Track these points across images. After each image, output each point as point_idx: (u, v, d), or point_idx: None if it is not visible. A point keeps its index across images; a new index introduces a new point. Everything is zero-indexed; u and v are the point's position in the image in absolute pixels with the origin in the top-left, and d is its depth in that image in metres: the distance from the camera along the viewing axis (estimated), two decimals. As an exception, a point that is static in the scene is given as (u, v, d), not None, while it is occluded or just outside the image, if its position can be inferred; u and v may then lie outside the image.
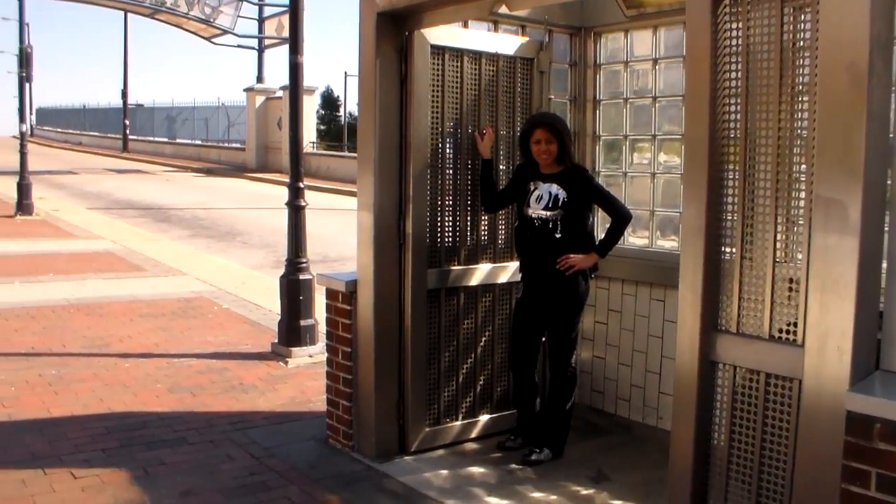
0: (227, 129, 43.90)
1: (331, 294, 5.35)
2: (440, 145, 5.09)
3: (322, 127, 40.54)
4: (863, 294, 2.95)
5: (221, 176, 32.66)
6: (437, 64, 5.02)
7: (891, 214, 3.07)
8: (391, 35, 4.91)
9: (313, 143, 32.35)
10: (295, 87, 7.47)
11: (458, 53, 5.10)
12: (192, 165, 37.10)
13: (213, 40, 32.22)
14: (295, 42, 7.48)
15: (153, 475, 4.82)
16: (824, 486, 3.02)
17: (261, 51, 34.02)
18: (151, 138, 49.25)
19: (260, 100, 33.89)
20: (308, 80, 31.53)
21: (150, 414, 5.84)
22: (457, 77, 5.12)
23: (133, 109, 51.81)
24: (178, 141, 46.67)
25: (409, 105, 4.93)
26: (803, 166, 3.16)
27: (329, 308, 5.38)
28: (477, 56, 5.18)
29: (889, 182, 3.07)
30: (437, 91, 5.03)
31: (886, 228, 3.08)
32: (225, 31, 31.32)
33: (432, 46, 4.97)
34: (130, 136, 47.48)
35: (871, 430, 2.85)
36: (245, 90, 35.03)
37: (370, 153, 4.94)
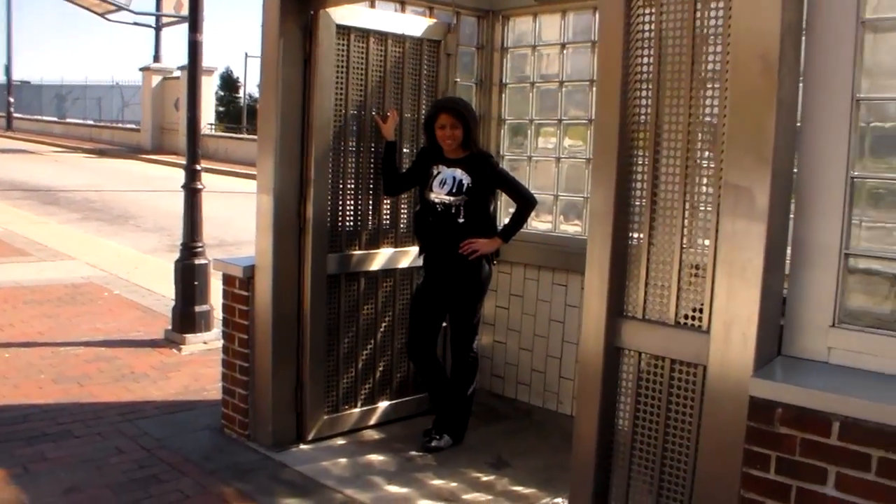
0: (122, 110, 42.70)
1: (228, 280, 5.18)
2: (343, 128, 4.96)
3: (221, 109, 39.75)
4: (768, 280, 2.97)
5: (115, 157, 31.69)
6: (343, 44, 4.88)
7: (796, 200, 3.09)
8: (296, 13, 4.76)
9: (212, 124, 31.69)
10: (194, 66, 7.23)
11: (364, 34, 4.98)
12: (83, 146, 35.92)
13: (108, 16, 31.16)
14: (195, 20, 7.23)
15: (34, 472, 4.56)
16: (726, 470, 3.03)
17: (158, 29, 33.07)
18: (39, 117, 47.48)
19: (156, 80, 32.98)
20: (207, 60, 30.84)
21: (32, 406, 5.55)
22: (362, 58, 4.99)
23: (18, 86, 49.84)
24: (69, 121, 45.10)
25: (312, 86, 4.78)
26: (712, 153, 3.15)
27: (226, 294, 5.21)
28: (383, 37, 5.07)
29: (795, 170, 3.08)
30: (342, 72, 4.90)
31: (791, 215, 3.10)
32: (120, 8, 30.30)
33: (338, 26, 4.83)
34: (15, 115, 45.62)
35: (773, 415, 2.87)
36: (141, 69, 34.02)
37: (271, 134, 4.78)
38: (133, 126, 37.24)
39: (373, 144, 5.11)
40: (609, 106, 3.35)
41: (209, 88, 30.62)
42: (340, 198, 5.02)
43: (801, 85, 3.06)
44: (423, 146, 5.13)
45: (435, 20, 5.37)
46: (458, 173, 4.82)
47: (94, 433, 5.16)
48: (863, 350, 2.95)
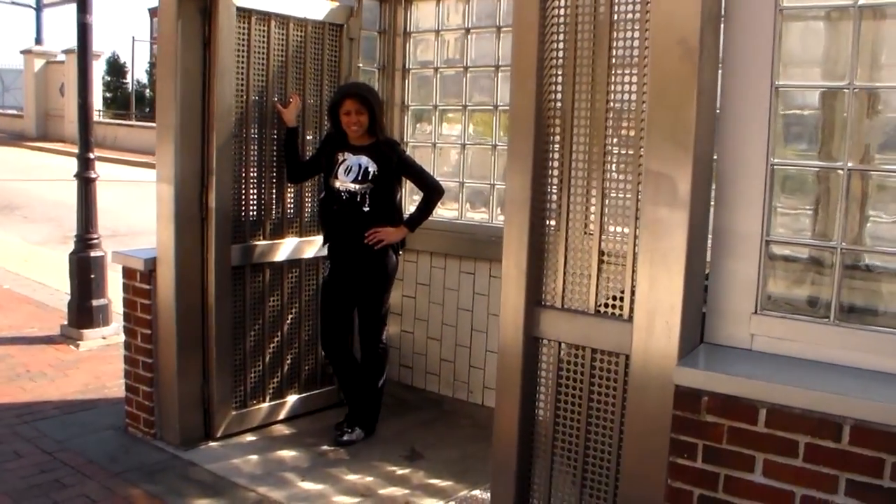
0: (2, 95, 40.99)
1: (128, 273, 4.99)
2: (245, 114, 4.82)
3: (108, 94, 38.58)
4: (691, 268, 2.97)
5: (-3, 145, 30.47)
6: (243, 27, 4.74)
7: (716, 188, 3.10)
8: (194, -5, 4.59)
9: (99, 111, 30.68)
10: (83, 49, 6.93)
11: (266, 17, 4.85)
12: (-39, 133, 34.42)
13: (-16, -3, 29.91)
14: (84, 0, 6.93)
15: (-77, 481, 4.34)
16: (652, 460, 3.03)
17: (39, 9, 31.77)
18: None
19: (39, 63, 31.68)
20: (94, 45, 29.92)
21: (-78, 408, 5.29)
22: (263, 42, 4.86)
23: None
24: (-55, 106, 43.12)
25: (212, 71, 4.63)
26: (631, 140, 3.14)
27: (126, 288, 5.02)
28: (285, 20, 4.94)
29: (715, 156, 3.10)
30: (243, 56, 4.76)
31: (711, 203, 3.12)
32: (-3, -12, 29.13)
33: (238, 8, 4.69)
34: None
35: (699, 404, 2.88)
36: (22, 52, 32.65)
37: (170, 121, 4.61)
38: (15, 112, 35.77)
39: (275, 131, 4.99)
40: (524, 92, 3.31)
41: (97, 74, 29.64)
42: (243, 187, 4.89)
43: (720, 72, 3.07)
44: (327, 132, 5.03)
45: (337, 3, 5.25)
46: (364, 160, 4.74)
47: (-15, 437, 4.93)
48: (785, 336, 2.99)
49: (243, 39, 4.74)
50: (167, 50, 4.60)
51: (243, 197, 4.89)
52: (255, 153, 4.93)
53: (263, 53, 4.86)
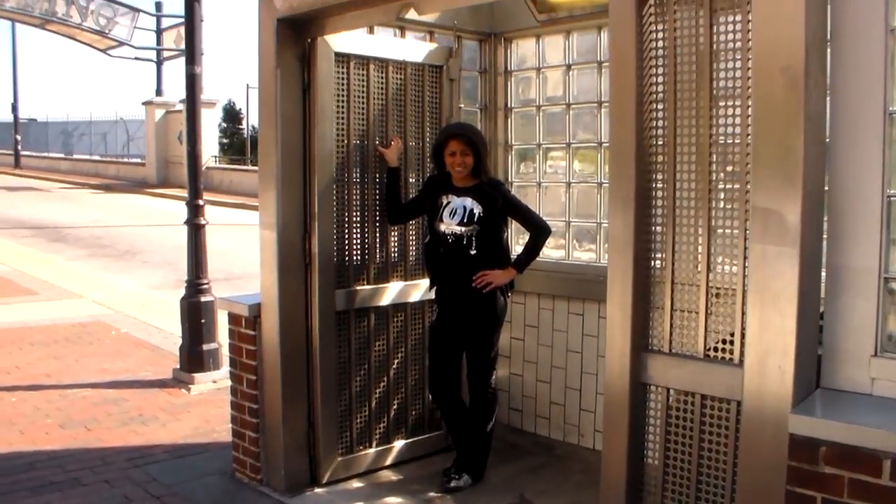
0: (127, 144, 42.71)
1: (233, 319, 5.02)
2: (346, 158, 4.81)
3: (225, 140, 39.74)
4: (804, 308, 2.79)
5: (121, 192, 31.63)
6: (342, 72, 4.74)
7: (828, 222, 2.91)
8: (292, 42, 4.62)
9: (216, 157, 31.62)
10: (192, 98, 7.11)
11: (364, 61, 4.84)
12: (89, 182, 35.89)
13: (109, 52, 31.17)
14: (192, 52, 7.13)
15: (39, 524, 4.42)
16: (767, 513, 2.84)
17: (159, 63, 33.05)
18: (46, 154, 47.50)
19: (159, 113, 32.95)
20: (209, 92, 30.95)
21: (38, 453, 5.39)
22: (363, 86, 4.85)
23: (26, 124, 49.92)
24: (75, 157, 45.07)
25: (312, 116, 4.64)
26: (737, 174, 2.98)
27: (232, 333, 5.05)
28: (384, 63, 4.93)
29: (826, 188, 2.91)
30: (343, 101, 4.76)
31: (825, 237, 2.93)
32: (121, 43, 30.31)
33: (336, 54, 4.69)
34: (23, 152, 45.61)
35: (816, 454, 2.69)
36: (144, 104, 34.03)
37: (272, 167, 4.63)
38: (138, 160, 37.21)
39: (377, 175, 4.96)
40: (624, 127, 3.19)
41: (212, 120, 30.58)
42: (346, 231, 4.87)
43: (828, 99, 2.90)
44: (430, 175, 4.98)
45: (436, 45, 5.23)
46: (469, 202, 4.66)
47: (102, 480, 5.00)
48: (909, 380, 2.77)
49: (342, 84, 4.74)
50: (267, 97, 4.63)
51: (346, 241, 4.87)
52: (358, 197, 4.91)
53: (363, 97, 4.85)
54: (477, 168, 4.67)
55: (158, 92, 33.35)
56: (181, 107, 30.27)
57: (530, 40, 5.57)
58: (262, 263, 4.77)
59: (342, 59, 4.73)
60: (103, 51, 31.10)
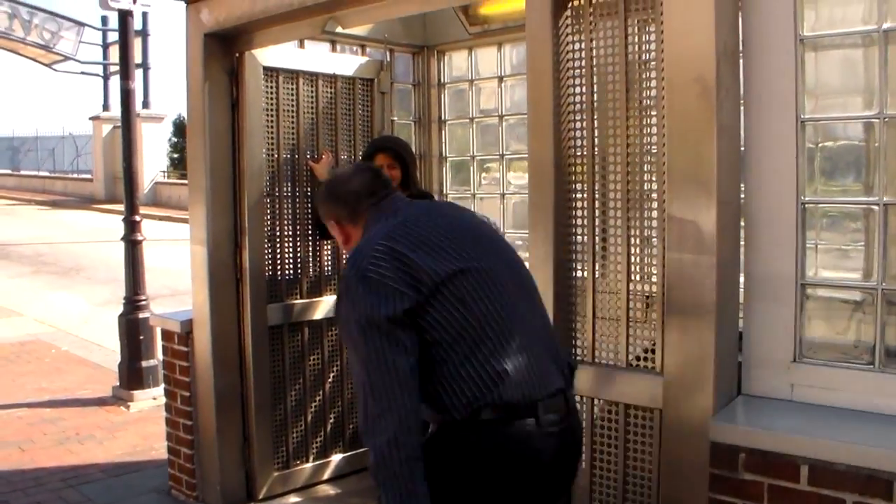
0: (76, 160, 42.14)
1: (166, 335, 4.98)
2: (277, 172, 4.80)
3: (175, 155, 39.29)
4: (722, 316, 2.82)
5: (68, 208, 31.23)
6: (271, 86, 4.74)
7: (745, 229, 2.96)
8: (220, 56, 4.61)
9: (164, 171, 31.34)
10: (127, 114, 7.06)
11: (293, 75, 4.84)
12: (36, 198, 35.40)
13: (55, 67, 30.72)
14: (126, 68, 7.08)
15: (-35, 550, 4.35)
16: (690, 520, 2.87)
17: (106, 78, 32.54)
18: (-8, 171, 46.79)
19: (107, 128, 32.53)
20: (158, 107, 30.64)
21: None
22: (292, 99, 4.85)
23: (-31, 141, 49.19)
24: (22, 173, 44.48)
25: (241, 130, 4.63)
26: (654, 184, 3.02)
27: (165, 350, 5.01)
28: (313, 77, 4.93)
29: (742, 196, 2.96)
30: (272, 115, 4.75)
31: (742, 244, 2.97)
32: (66, 58, 29.86)
33: (265, 68, 4.69)
34: (-32, 170, 44.99)
35: (737, 461, 2.71)
36: (91, 119, 33.67)
37: (201, 182, 4.61)
38: (86, 176, 36.75)
39: (309, 188, 4.95)
40: (542, 139, 3.21)
41: (161, 135, 30.38)
42: (278, 245, 4.86)
43: (742, 109, 2.95)
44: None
45: (367, 58, 5.24)
46: (398, 215, 4.66)
47: (34, 502, 4.93)
48: (827, 385, 2.80)
49: (271, 98, 4.74)
50: (195, 111, 4.61)
51: (278, 255, 4.86)
52: (290, 211, 4.90)
53: (293, 111, 4.85)
54: (405, 181, 4.67)
55: (105, 107, 32.94)
56: (128, 121, 30.08)
57: (463, 52, 5.59)
58: (193, 279, 4.75)
59: (271, 73, 4.72)
60: (48, 65, 30.67)
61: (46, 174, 42.16)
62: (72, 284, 14.00)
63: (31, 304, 11.83)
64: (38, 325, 10.29)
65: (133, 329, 6.99)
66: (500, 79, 5.42)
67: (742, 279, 3.00)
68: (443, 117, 5.70)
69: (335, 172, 3.19)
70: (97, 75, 32.48)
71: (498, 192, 5.51)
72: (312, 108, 4.94)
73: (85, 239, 20.65)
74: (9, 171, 45.68)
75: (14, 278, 14.55)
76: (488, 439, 2.34)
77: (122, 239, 7.10)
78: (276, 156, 4.78)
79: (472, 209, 5.51)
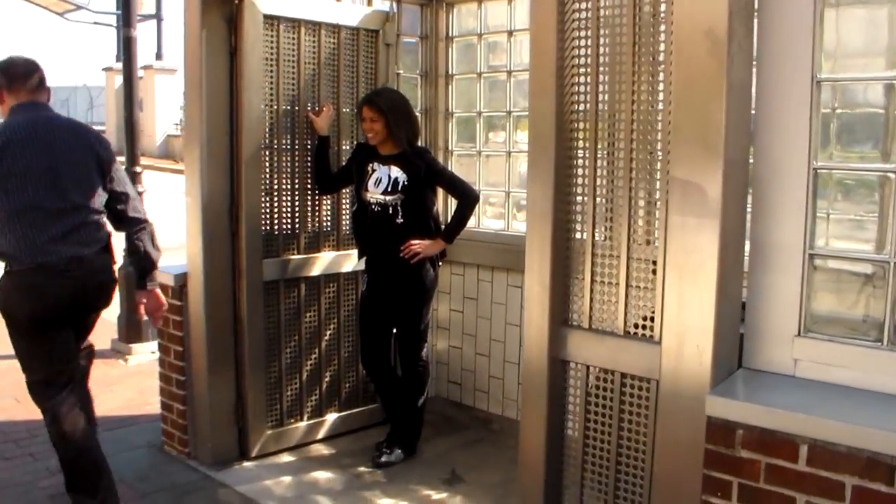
0: (90, 111, 42.05)
1: (160, 289, 4.87)
2: (276, 124, 4.67)
3: (188, 107, 39.12)
4: (724, 285, 2.71)
5: (80, 159, 31.12)
6: (271, 35, 4.59)
7: (753, 195, 2.82)
8: (218, 3, 4.45)
9: (176, 124, 31.19)
10: (129, 63, 6.89)
11: (295, 23, 4.68)
12: (49, 148, 35.31)
13: (67, 16, 30.52)
14: (128, 15, 6.91)
15: (-48, 500, 4.28)
16: (684, 495, 2.78)
17: (119, 28, 32.48)
18: (5, 120, 46.71)
19: (119, 80, 32.31)
20: (173, 60, 30.37)
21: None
22: (293, 50, 4.70)
23: (-15, 90, 49.09)
24: (36, 123, 44.39)
25: (239, 81, 4.48)
26: (659, 144, 2.89)
27: (159, 304, 4.92)
28: (316, 26, 4.77)
29: (751, 160, 2.82)
30: (272, 65, 4.61)
31: (749, 210, 2.84)
32: (79, 7, 29.64)
33: (265, 16, 4.53)
34: (-18, 119, 44.90)
35: (733, 437, 2.61)
36: (104, 69, 33.49)
37: (197, 133, 4.48)
38: (100, 128, 36.64)
39: (309, 142, 4.82)
40: (544, 97, 3.09)
41: (174, 88, 30.12)
42: (276, 200, 4.74)
43: (754, 69, 2.80)
44: (359, 142, 4.86)
45: (372, 8, 5.09)
46: (394, 171, 4.54)
47: (27, 454, 4.87)
48: (832, 362, 2.70)
49: (271, 47, 4.59)
50: (192, 61, 4.46)
51: (275, 210, 4.74)
52: (288, 165, 4.77)
53: (294, 61, 4.70)
54: (392, 134, 4.54)
55: (118, 58, 32.73)
56: (142, 74, 29.85)
57: (472, 5, 5.44)
58: (187, 232, 4.64)
59: (271, 21, 4.57)
60: (60, 14, 30.44)
61: (59, 124, 42.02)
62: (79, 235, 13.91)
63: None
64: (41, 275, 10.21)
65: (132, 281, 6.88)
66: (510, 33, 5.27)
67: (747, 247, 2.88)
68: (450, 72, 5.56)
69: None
70: (110, 25, 32.28)
71: (504, 150, 5.37)
72: (314, 58, 4.79)
73: (95, 190, 20.55)
74: (22, 121, 45.58)
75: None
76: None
77: (123, 190, 6.99)
78: (275, 107, 4.65)
79: (477, 167, 5.42)
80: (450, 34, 5.54)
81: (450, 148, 5.60)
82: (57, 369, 3.90)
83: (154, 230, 4.10)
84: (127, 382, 6.26)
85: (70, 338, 3.99)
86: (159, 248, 4.12)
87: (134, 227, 4.02)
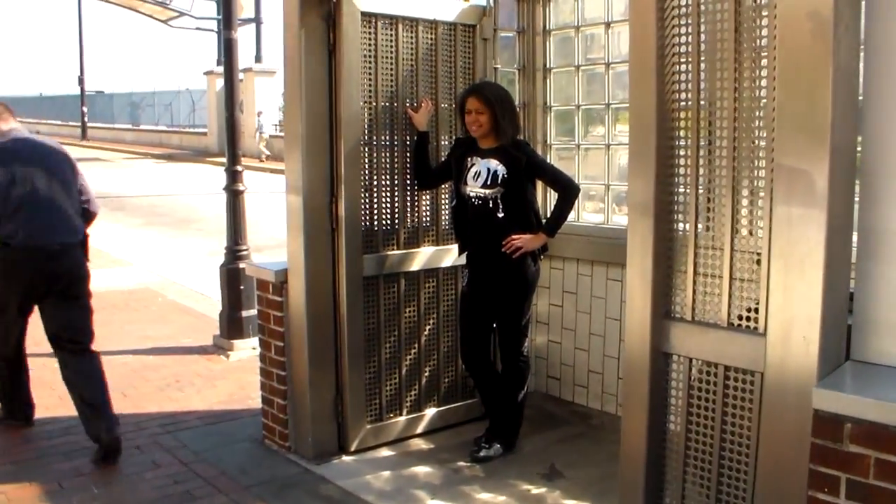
0: (191, 114, 43.15)
1: (261, 285, 4.96)
2: (374, 121, 4.69)
3: (287, 109, 39.74)
4: (831, 275, 2.61)
5: (183, 161, 32.05)
6: (369, 32, 4.61)
7: (861, 183, 2.71)
8: (316, 2, 4.49)
9: (276, 125, 31.75)
10: (229, 64, 7.03)
11: (392, 20, 4.70)
12: (152, 152, 36.41)
13: (171, 23, 31.34)
14: (228, 18, 7.05)
15: (68, 489, 4.41)
16: (790, 491, 2.70)
17: (220, 32, 33.14)
18: (111, 125, 48.26)
19: (220, 83, 33.08)
20: (273, 62, 30.90)
21: (74, 419, 5.28)
22: (391, 46, 4.71)
23: (92, 96, 50.79)
24: (141, 127, 45.80)
25: (338, 78, 4.52)
26: (763, 132, 2.80)
27: (260, 300, 5.00)
28: (413, 22, 4.78)
29: (859, 147, 2.71)
30: (370, 61, 4.63)
31: (857, 199, 2.73)
32: (182, 13, 30.42)
33: (363, 13, 4.56)
34: (90, 124, 46.43)
35: (841, 431, 2.51)
36: (205, 73, 34.32)
37: (297, 131, 4.53)
38: (201, 130, 37.61)
39: (407, 137, 4.83)
40: (644, 86, 3.03)
41: (274, 89, 30.70)
42: (375, 195, 4.76)
43: (861, 52, 2.69)
44: (458, 137, 4.85)
45: (469, 3, 5.06)
46: (493, 164, 4.50)
47: (133, 446, 4.99)
48: (946, 355, 2.57)
49: (370, 44, 4.61)
50: (292, 58, 4.51)
51: (375, 205, 4.77)
52: (388, 161, 4.79)
53: (392, 58, 4.72)
54: (496, 127, 4.50)
55: (219, 61, 33.47)
56: (242, 76, 30.46)
57: (569, -1, 5.38)
58: (288, 228, 4.69)
59: (369, 18, 4.59)
60: (164, 21, 31.30)
61: (163, 128, 43.30)
62: (182, 235, 14.31)
63: (142, 254, 12.10)
64: (147, 275, 10.50)
65: (234, 279, 7.02)
66: (608, 25, 5.19)
67: (855, 236, 2.77)
68: (547, 65, 5.51)
69: None
70: (211, 30, 33.02)
71: (603, 144, 5.30)
72: (412, 54, 4.80)
73: (198, 191, 21.11)
74: (128, 126, 47.08)
75: (129, 229, 14.93)
76: None
77: (224, 189, 7.13)
78: (374, 104, 4.67)
79: (576, 160, 5.35)
80: (547, 27, 5.49)
81: (548, 142, 5.55)
82: None
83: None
84: (229, 377, 6.38)
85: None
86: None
87: None
